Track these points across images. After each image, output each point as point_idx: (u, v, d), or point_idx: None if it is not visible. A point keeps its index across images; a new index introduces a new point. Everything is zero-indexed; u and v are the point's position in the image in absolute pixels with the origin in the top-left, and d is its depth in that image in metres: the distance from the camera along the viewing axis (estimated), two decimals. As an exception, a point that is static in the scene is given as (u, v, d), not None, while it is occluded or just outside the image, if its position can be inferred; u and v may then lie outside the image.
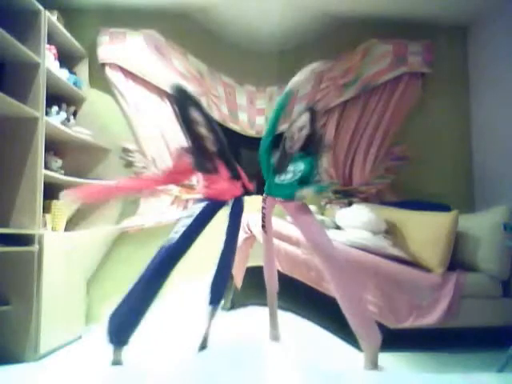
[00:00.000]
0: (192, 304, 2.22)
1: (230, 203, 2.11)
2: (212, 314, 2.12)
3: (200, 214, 2.01)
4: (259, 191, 2.32)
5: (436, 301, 2.24)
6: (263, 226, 2.19)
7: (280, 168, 2.13)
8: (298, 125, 2.12)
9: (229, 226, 2.13)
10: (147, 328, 2.08)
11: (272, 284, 2.23)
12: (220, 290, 2.13)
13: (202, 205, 2.04)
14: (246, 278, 2.63)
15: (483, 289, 2.32)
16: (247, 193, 2.21)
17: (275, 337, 2.22)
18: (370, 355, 1.95)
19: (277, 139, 2.29)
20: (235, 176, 2.10)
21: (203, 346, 2.09)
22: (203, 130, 1.98)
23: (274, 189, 2.17)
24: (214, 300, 2.11)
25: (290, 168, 2.12)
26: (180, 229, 1.97)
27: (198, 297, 2.20)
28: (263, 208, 2.19)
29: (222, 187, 2.06)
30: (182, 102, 1.95)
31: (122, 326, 1.91)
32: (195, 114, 1.95)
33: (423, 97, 3.30)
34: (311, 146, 2.14)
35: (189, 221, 1.99)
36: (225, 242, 2.12)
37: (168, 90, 3.08)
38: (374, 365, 1.95)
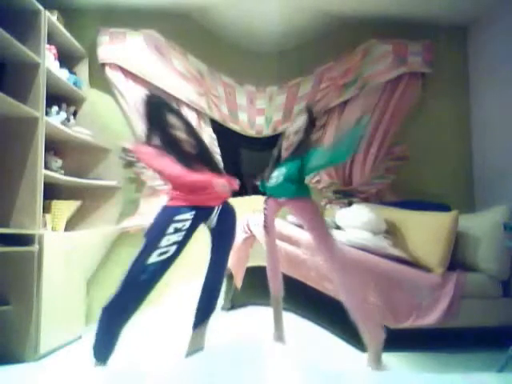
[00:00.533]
0: (191, 306, 2.22)
1: (217, 210, 1.92)
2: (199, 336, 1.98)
3: (190, 226, 1.81)
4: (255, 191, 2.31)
5: (436, 301, 2.24)
6: (265, 227, 2.18)
7: (269, 173, 2.15)
8: (293, 128, 2.13)
9: (220, 238, 1.96)
10: (147, 328, 2.08)
11: (275, 287, 2.19)
12: (207, 314, 1.99)
13: (190, 215, 1.82)
14: (246, 278, 2.63)
15: (483, 289, 2.32)
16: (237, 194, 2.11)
17: (279, 338, 2.20)
18: (374, 353, 1.95)
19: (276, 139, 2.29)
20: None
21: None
22: (181, 134, 1.92)
23: (269, 190, 2.18)
24: (198, 323, 1.97)
25: (274, 174, 2.12)
26: (169, 246, 1.77)
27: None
28: (264, 209, 2.18)
29: (210, 191, 1.85)
30: (158, 106, 1.92)
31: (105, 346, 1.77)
32: (172, 119, 1.92)
33: (423, 97, 3.30)
34: (301, 152, 2.07)
35: (180, 237, 1.78)
36: (215, 259, 1.97)
37: (167, 90, 3.11)
38: (377, 363, 1.95)
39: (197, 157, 1.94)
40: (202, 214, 1.87)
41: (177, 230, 1.78)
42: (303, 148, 2.08)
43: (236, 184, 1.93)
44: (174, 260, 1.81)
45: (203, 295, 2.01)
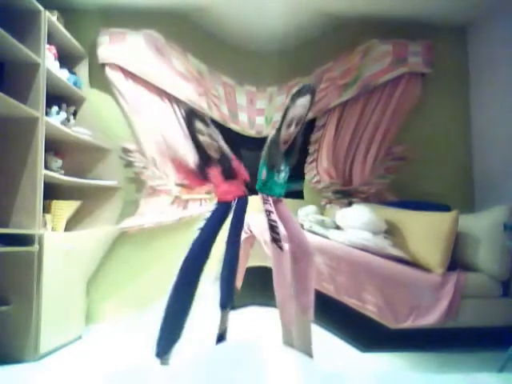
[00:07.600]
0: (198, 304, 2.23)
1: (234, 203, 2.08)
2: (225, 316, 2.14)
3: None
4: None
5: (436, 301, 2.24)
6: (276, 240, 1.88)
7: (277, 164, 1.93)
8: (298, 111, 1.84)
9: (232, 223, 2.10)
10: (148, 328, 2.08)
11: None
12: (230, 292, 2.12)
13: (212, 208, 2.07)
14: (246, 278, 2.63)
15: (483, 289, 2.32)
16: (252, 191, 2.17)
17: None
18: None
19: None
20: (228, 176, 2.08)
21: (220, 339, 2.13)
22: (206, 139, 2.05)
23: (274, 187, 1.99)
24: (225, 302, 2.12)
25: (282, 167, 1.97)
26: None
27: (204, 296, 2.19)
28: (270, 212, 1.92)
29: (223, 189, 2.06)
30: (189, 116, 2.10)
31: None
32: (199, 125, 2.06)
33: (423, 97, 3.30)
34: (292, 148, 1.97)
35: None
36: (229, 239, 2.10)
37: (167, 90, 3.11)
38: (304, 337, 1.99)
39: (218, 160, 2.06)
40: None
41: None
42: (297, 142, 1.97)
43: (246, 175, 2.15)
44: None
45: (225, 275, 2.10)
